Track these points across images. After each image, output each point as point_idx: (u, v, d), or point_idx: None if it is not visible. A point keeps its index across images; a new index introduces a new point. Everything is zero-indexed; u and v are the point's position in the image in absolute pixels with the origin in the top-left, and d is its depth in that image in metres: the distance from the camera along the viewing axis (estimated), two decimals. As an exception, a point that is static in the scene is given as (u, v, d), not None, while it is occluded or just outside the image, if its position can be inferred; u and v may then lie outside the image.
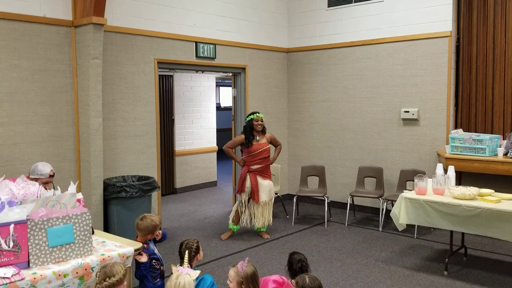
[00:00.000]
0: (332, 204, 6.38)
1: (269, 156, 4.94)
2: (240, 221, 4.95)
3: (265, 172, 4.90)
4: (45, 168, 3.35)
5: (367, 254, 4.63)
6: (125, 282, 2.31)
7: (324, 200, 5.90)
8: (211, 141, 8.32)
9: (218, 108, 11.62)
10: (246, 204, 4.90)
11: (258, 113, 4.89)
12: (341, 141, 6.35)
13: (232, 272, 2.51)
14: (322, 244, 4.95)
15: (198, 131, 8.09)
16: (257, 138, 4.85)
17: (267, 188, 4.88)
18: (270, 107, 6.56)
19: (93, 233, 3.02)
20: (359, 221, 5.89)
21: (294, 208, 5.91)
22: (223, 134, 10.73)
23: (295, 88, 6.77)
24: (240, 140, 4.89)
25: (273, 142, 4.98)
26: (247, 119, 4.91)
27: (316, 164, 6.36)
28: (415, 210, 3.99)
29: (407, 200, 4.04)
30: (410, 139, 5.74)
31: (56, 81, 4.44)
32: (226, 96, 12.53)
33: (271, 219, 4.97)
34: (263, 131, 4.89)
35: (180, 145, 7.80)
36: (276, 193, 5.39)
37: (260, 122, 4.88)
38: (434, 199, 3.92)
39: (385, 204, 5.52)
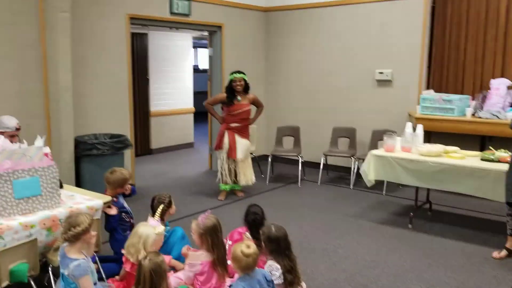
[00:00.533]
0: (306, 164, 6.38)
1: (249, 117, 4.91)
2: (227, 179, 4.97)
3: (243, 131, 4.88)
4: (10, 121, 3.28)
5: (337, 209, 4.75)
6: (93, 233, 2.33)
7: (298, 159, 5.91)
8: (187, 103, 8.27)
9: (196, 70, 11.43)
10: (226, 160, 4.91)
11: (238, 73, 4.78)
12: (317, 102, 6.37)
13: (193, 225, 2.58)
14: (294, 200, 5.04)
15: (174, 92, 8.01)
16: (239, 98, 4.79)
17: (244, 146, 4.88)
18: (247, 68, 6.44)
19: (61, 187, 3.01)
20: (331, 179, 6.02)
21: (269, 167, 5.97)
22: (201, 97, 10.46)
23: (272, 48, 6.70)
24: (221, 98, 4.84)
25: (256, 103, 4.94)
26: (229, 78, 4.84)
27: (291, 124, 6.31)
28: (383, 167, 4.07)
29: (376, 157, 4.11)
30: (383, 100, 5.79)
31: (23, 36, 4.27)
32: (205, 58, 12.33)
33: (253, 178, 4.99)
34: (245, 91, 4.81)
35: (156, 105, 7.72)
36: (251, 153, 5.39)
37: (239, 83, 4.79)
38: (402, 156, 4.01)
39: (357, 163, 5.60)
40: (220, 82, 6.27)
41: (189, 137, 8.30)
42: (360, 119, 6.01)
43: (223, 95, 4.86)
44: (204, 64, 12.42)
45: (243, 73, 4.83)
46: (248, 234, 2.60)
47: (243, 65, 6.53)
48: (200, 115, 10.03)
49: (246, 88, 4.83)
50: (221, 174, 5.02)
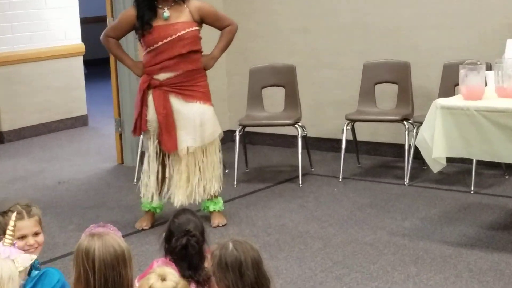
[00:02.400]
0: (314, 142, 6.48)
1: (197, 50, 4.86)
2: (161, 190, 4.96)
3: (189, 87, 4.85)
4: None
5: (376, 225, 4.86)
6: None
7: (297, 134, 5.89)
8: (69, 36, 8.30)
9: None
10: (155, 155, 4.89)
11: None
12: (330, 14, 6.48)
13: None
14: (291, 215, 5.15)
15: (41, 15, 8.03)
16: (164, 12, 4.73)
17: (194, 122, 4.83)
18: None
19: None
20: (365, 171, 6.09)
21: (236, 153, 5.95)
22: (96, 27, 10.46)
23: None
24: (129, 18, 4.81)
25: (210, 19, 4.89)
26: None
27: (278, 63, 6.34)
28: (463, 129, 4.15)
29: (446, 111, 4.18)
30: (462, 5, 5.92)
31: None
32: None
33: (217, 185, 4.95)
34: None
35: (2, 43, 7.74)
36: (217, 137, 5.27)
37: None
38: (499, 105, 4.08)
39: (414, 131, 5.62)
40: None
41: (78, 106, 8.38)
42: (417, 45, 6.12)
43: (130, 12, 4.82)
44: None
45: None
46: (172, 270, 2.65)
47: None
48: (98, 65, 9.92)
49: None
50: (146, 181, 4.97)
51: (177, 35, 4.72)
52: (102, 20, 11.31)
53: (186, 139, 4.81)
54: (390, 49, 6.24)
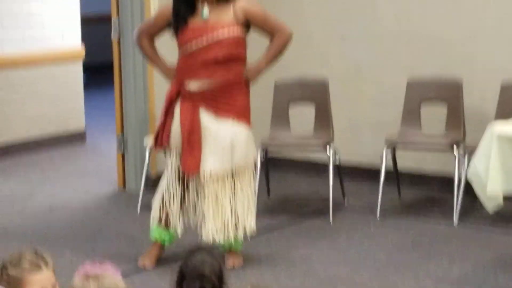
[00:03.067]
0: (348, 169, 6.46)
1: (238, 58, 4.85)
2: (173, 220, 4.94)
3: (223, 100, 4.84)
4: None
5: (419, 271, 4.83)
6: None
7: (329, 160, 5.89)
8: (68, 38, 8.39)
9: None
10: (176, 176, 4.89)
11: None
12: (371, 21, 6.56)
13: None
14: (319, 256, 5.15)
15: (36, 12, 8.13)
16: (204, 10, 4.74)
17: (224, 140, 4.82)
18: None
19: None
20: (407, 206, 6.11)
21: (258, 180, 5.85)
22: (97, 27, 10.59)
23: None
24: (165, 13, 4.87)
25: (257, 23, 4.88)
26: None
27: (309, 76, 6.38)
28: None
29: (504, 139, 4.21)
30: None
31: None
32: None
33: (253, 222, 4.96)
34: None
35: None
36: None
37: None
38: None
39: (465, 160, 5.59)
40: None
41: (75, 117, 8.47)
42: (473, 60, 6.13)
43: (167, 7, 4.86)
44: None
45: None
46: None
47: None
48: (99, 71, 10.00)
49: None
50: (162, 204, 4.97)
51: (215, 36, 4.72)
52: (104, 19, 11.36)
53: (211, 161, 4.78)
54: (439, 63, 6.24)
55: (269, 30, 4.86)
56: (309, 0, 6.88)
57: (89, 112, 8.82)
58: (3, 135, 7.88)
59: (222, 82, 4.75)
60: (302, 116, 6.34)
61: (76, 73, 8.44)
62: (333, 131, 6.01)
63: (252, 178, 4.97)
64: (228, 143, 4.77)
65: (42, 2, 8.14)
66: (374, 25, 6.57)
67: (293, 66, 6.70)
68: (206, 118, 4.78)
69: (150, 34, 4.92)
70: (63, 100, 8.31)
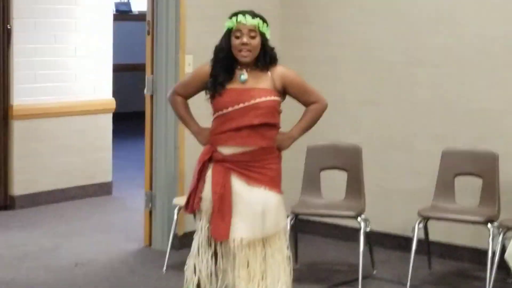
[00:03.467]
0: (377, 236, 6.46)
1: (273, 125, 4.82)
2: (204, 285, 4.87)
3: (256, 168, 4.80)
4: None
5: None
6: None
7: (360, 228, 5.85)
8: (99, 89, 8.47)
9: (122, 14, 11.84)
10: (207, 241, 4.83)
11: (246, 13, 4.69)
12: (405, 87, 6.60)
13: None
14: None
15: (67, 63, 8.18)
16: (242, 75, 4.74)
17: (256, 208, 4.76)
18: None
19: None
20: (438, 278, 6.08)
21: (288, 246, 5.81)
22: (130, 76, 10.70)
23: None
24: (203, 75, 4.83)
25: (295, 91, 4.87)
26: (226, 26, 4.74)
27: (341, 142, 6.42)
28: None
29: None
30: None
31: None
32: None
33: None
34: (264, 62, 4.74)
35: (24, 94, 7.89)
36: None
37: (247, 41, 4.65)
38: None
39: (500, 237, 5.54)
40: (176, 44, 6.50)
41: (102, 170, 8.50)
42: (510, 133, 6.16)
43: (204, 68, 4.83)
44: (139, 2, 12.64)
45: (260, 17, 4.75)
46: None
47: (230, 2, 6.38)
48: (127, 120, 10.15)
49: (265, 57, 4.76)
50: (194, 271, 4.88)
51: (251, 102, 4.66)
52: (134, 68, 11.49)
53: (242, 228, 4.72)
54: (475, 134, 6.22)
55: (305, 99, 4.86)
56: (343, 65, 6.92)
57: (115, 162, 8.82)
58: (31, 185, 7.91)
59: (256, 150, 4.73)
60: (334, 182, 6.30)
61: (106, 125, 8.48)
62: (364, 199, 5.99)
63: (285, 245, 4.86)
64: (259, 210, 4.72)
65: (76, 54, 8.21)
66: (408, 92, 6.57)
67: (325, 130, 6.59)
68: (238, 184, 4.73)
69: (185, 94, 4.89)
70: (92, 151, 8.33)
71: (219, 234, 4.72)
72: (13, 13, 7.71)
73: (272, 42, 5.14)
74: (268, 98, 4.68)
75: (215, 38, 4.86)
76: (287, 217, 5.67)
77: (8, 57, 7.72)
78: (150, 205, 6.67)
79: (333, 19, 6.99)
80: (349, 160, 6.12)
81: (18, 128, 7.79)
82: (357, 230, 5.90)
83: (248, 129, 4.66)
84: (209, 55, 4.86)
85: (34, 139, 7.91)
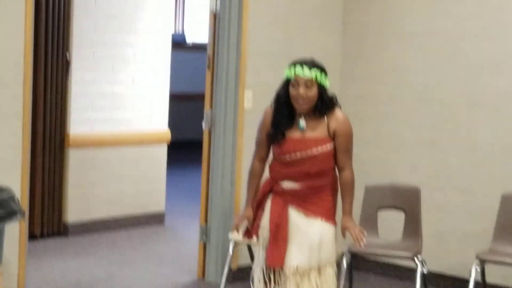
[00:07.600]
0: (433, 276, 6.40)
1: (330, 169, 4.90)
2: None
3: (313, 201, 4.88)
4: None
5: None
6: None
7: (417, 268, 5.78)
8: (155, 119, 8.52)
9: (179, 45, 11.75)
10: (264, 267, 4.92)
11: (304, 64, 4.74)
12: (464, 129, 6.59)
13: None
14: None
15: (124, 93, 8.27)
16: (301, 122, 4.78)
17: (313, 239, 4.83)
18: (303, 46, 6.63)
19: None
20: None
21: (342, 285, 5.86)
22: (186, 106, 10.77)
23: (360, 7, 7.11)
24: (267, 126, 4.92)
25: (337, 145, 4.89)
26: (285, 76, 4.81)
27: (400, 182, 6.40)
28: None
29: None
30: None
31: None
32: (200, 20, 12.67)
33: None
34: (322, 109, 4.79)
35: (81, 122, 7.97)
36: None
37: (303, 92, 4.70)
38: None
39: None
40: (236, 75, 6.54)
41: (156, 201, 8.52)
42: None
43: (267, 116, 4.94)
44: (196, 33, 12.76)
45: (319, 67, 4.80)
46: None
47: (291, 39, 6.54)
48: (181, 149, 10.08)
49: (323, 104, 4.81)
50: None
51: (308, 153, 4.78)
52: (189, 98, 11.52)
53: (298, 257, 4.79)
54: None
55: (340, 157, 4.90)
56: (402, 104, 6.92)
57: (168, 191, 8.84)
58: (85, 213, 7.99)
59: (312, 185, 4.83)
60: (391, 222, 6.29)
61: (160, 155, 8.52)
62: (421, 240, 5.94)
63: (334, 276, 4.93)
64: (316, 241, 4.79)
65: (133, 85, 8.30)
66: (467, 133, 6.55)
67: (381, 168, 6.81)
68: (295, 216, 4.82)
69: (262, 157, 4.97)
70: (146, 181, 8.38)
71: (273, 261, 4.82)
72: (72, 43, 7.85)
73: (331, 79, 5.18)
74: (324, 147, 4.79)
75: (275, 74, 4.93)
76: (343, 255, 5.81)
77: (66, 87, 7.83)
78: (204, 237, 6.68)
79: (394, 58, 7.02)
80: (407, 200, 6.09)
81: (73, 157, 7.89)
82: (413, 270, 5.85)
83: (305, 175, 4.81)
84: (269, 90, 4.97)
85: (89, 167, 7.99)
